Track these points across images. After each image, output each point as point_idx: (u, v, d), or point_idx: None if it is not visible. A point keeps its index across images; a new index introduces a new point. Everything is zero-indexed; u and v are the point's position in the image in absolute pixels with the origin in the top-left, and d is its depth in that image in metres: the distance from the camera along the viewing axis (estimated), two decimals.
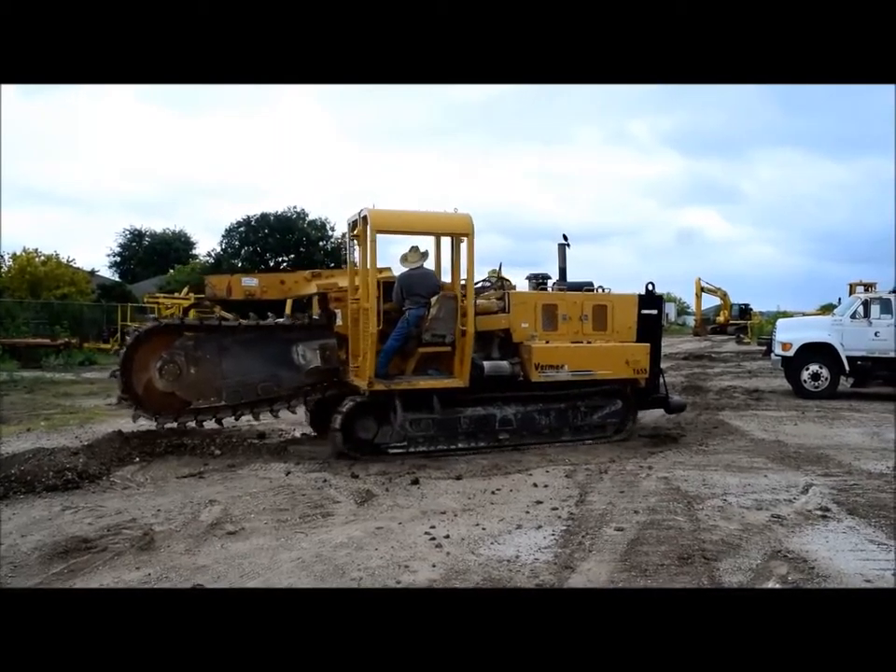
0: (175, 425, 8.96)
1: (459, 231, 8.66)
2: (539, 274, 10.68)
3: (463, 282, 8.77)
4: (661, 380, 10.39)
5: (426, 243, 9.19)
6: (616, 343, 9.83)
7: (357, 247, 8.87)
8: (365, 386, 8.31)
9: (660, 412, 10.83)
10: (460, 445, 8.88)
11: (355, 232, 8.83)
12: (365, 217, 8.27)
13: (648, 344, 9.90)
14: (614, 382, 9.60)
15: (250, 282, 9.58)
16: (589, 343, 9.70)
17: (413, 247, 9.00)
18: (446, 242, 9.09)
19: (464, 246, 8.66)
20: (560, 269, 10.81)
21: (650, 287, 10.48)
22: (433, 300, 8.61)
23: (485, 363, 9.00)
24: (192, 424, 9.05)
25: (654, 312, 10.48)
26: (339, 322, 9.32)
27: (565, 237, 10.79)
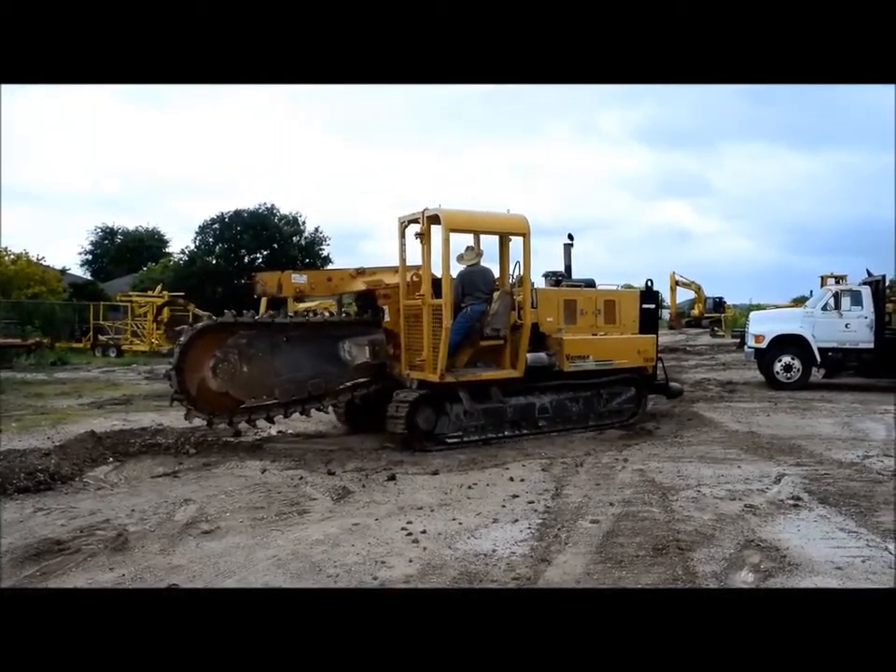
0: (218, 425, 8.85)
1: (518, 231, 9.30)
2: (556, 272, 11.46)
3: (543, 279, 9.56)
4: (659, 367, 11.29)
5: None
6: (626, 334, 10.75)
7: (421, 246, 8.99)
8: (436, 379, 8.67)
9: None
10: (506, 433, 9.37)
11: (419, 231, 8.94)
12: (434, 217, 8.72)
13: (654, 336, 11.04)
14: (629, 370, 10.47)
15: (300, 279, 9.46)
16: (604, 335, 10.48)
17: (468, 247, 9.49)
18: (490, 239, 9.59)
19: (515, 245, 9.38)
20: (566, 266, 11.66)
21: (649, 284, 11.67)
22: (495, 295, 9.14)
23: (528, 355, 9.42)
24: (244, 423, 8.99)
25: (653, 306, 11.67)
26: (387, 318, 9.50)
27: (570, 237, 11.82)
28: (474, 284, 9.19)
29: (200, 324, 8.74)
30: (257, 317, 8.94)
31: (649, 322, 11.27)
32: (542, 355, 9.63)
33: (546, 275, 11.29)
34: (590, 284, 11.26)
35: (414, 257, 9.28)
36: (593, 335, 10.33)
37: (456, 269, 9.40)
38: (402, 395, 8.83)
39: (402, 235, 9.30)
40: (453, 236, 8.83)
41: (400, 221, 9.32)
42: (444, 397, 8.90)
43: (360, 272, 9.78)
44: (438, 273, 9.04)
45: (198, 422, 8.75)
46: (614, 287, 11.94)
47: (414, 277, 9.27)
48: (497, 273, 9.60)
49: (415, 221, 9.02)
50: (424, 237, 8.88)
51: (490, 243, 9.68)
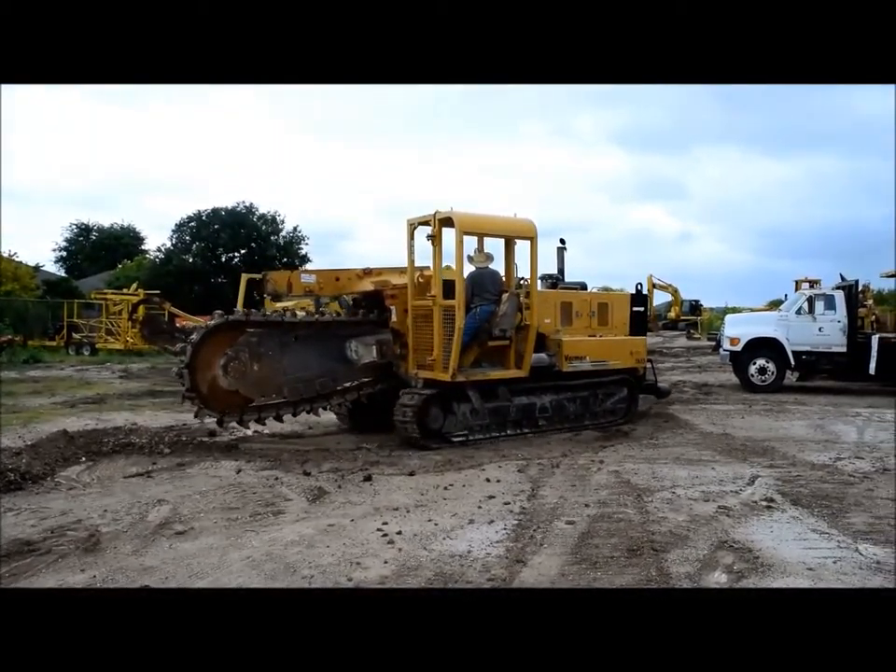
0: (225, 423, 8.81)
1: (526, 235, 9.55)
2: (551, 275, 12.06)
3: (523, 280, 9.73)
4: (648, 368, 11.70)
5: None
6: (618, 336, 11.11)
7: (432, 248, 9.05)
8: (447, 378, 8.85)
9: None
10: (508, 432, 9.60)
11: (430, 233, 9.00)
12: (446, 219, 8.88)
13: (645, 338, 11.52)
14: (622, 371, 10.80)
15: (308, 278, 9.50)
16: (600, 336, 10.83)
17: (478, 249, 9.63)
18: (496, 242, 9.82)
19: (521, 248, 9.69)
20: (558, 270, 12.39)
21: (639, 288, 12.14)
22: (504, 297, 9.29)
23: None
24: (253, 422, 8.97)
25: (642, 309, 12.08)
26: (393, 318, 9.58)
27: (562, 241, 12.17)
28: (483, 285, 9.36)
29: (212, 321, 8.68)
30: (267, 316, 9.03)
31: (638, 324, 11.70)
32: (543, 355, 9.86)
33: (542, 278, 11.58)
34: (583, 287, 11.83)
35: (419, 258, 9.46)
36: (589, 336, 10.67)
37: (466, 269, 9.56)
38: (411, 394, 8.94)
39: (411, 237, 9.39)
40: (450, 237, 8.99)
41: (410, 223, 9.40)
42: (451, 396, 9.06)
43: (367, 272, 9.88)
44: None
45: (169, 421, 8.69)
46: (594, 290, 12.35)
47: (420, 278, 9.42)
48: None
49: (426, 223, 9.11)
50: (435, 239, 8.99)
51: (490, 244, 9.88)
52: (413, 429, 8.71)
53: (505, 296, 9.32)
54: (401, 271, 9.75)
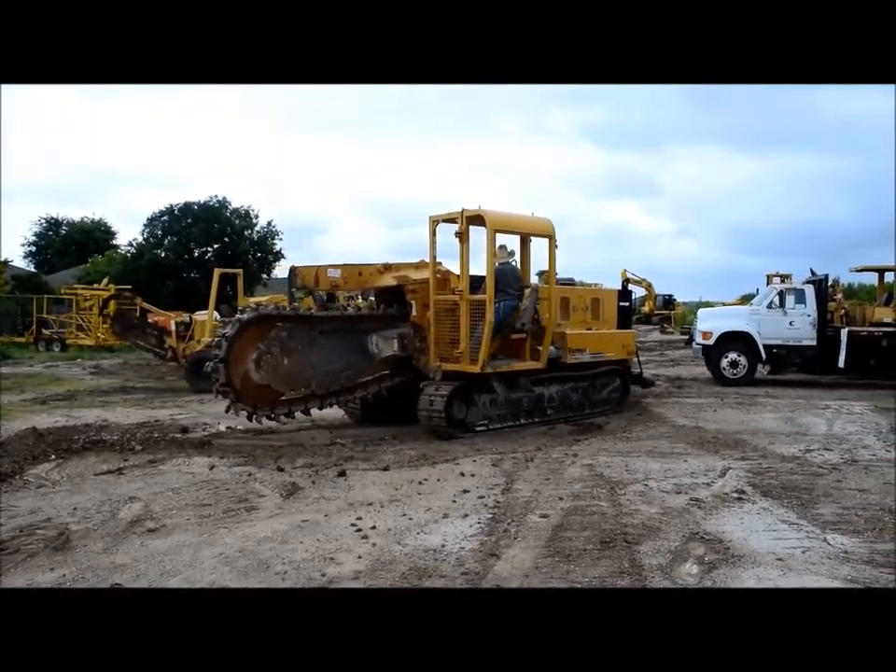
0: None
1: (545, 233, 10.03)
2: (545, 271, 12.13)
3: (537, 277, 10.31)
4: (634, 360, 12.36)
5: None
6: (608, 330, 11.72)
7: (459, 244, 9.31)
8: (477, 370, 9.15)
9: None
10: (522, 421, 9.98)
11: (458, 230, 9.24)
12: (474, 217, 9.20)
13: (634, 331, 12.15)
14: (616, 362, 11.41)
15: (334, 273, 9.69)
16: (596, 329, 11.42)
17: (501, 245, 9.82)
18: (507, 238, 10.04)
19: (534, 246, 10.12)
20: (549, 266, 12.13)
21: (625, 284, 13.72)
22: (526, 292, 9.67)
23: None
24: (283, 416, 9.03)
25: (627, 304, 12.86)
26: (413, 313, 9.88)
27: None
28: (506, 281, 9.63)
29: (245, 315, 8.68)
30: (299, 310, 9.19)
31: (624, 318, 12.47)
32: (552, 348, 10.18)
33: (539, 274, 11.76)
34: (570, 282, 11.94)
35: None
36: (586, 330, 11.19)
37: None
38: (437, 386, 9.20)
39: (433, 233, 9.60)
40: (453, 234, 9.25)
41: (433, 220, 9.62)
42: (473, 388, 9.38)
43: (387, 267, 10.09)
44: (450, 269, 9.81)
45: (141, 417, 8.60)
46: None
47: (436, 274, 9.66)
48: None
49: (451, 221, 9.37)
50: (463, 236, 9.24)
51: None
52: (440, 420, 8.98)
53: (527, 291, 9.70)
54: (415, 266, 10.12)
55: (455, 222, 9.27)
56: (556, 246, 10.41)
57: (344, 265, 9.93)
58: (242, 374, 8.43)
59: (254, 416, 8.72)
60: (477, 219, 9.22)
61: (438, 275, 9.70)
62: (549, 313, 9.96)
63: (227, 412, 8.75)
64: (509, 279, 9.68)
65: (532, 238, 10.05)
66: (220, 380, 8.32)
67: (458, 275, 9.52)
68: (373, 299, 10.87)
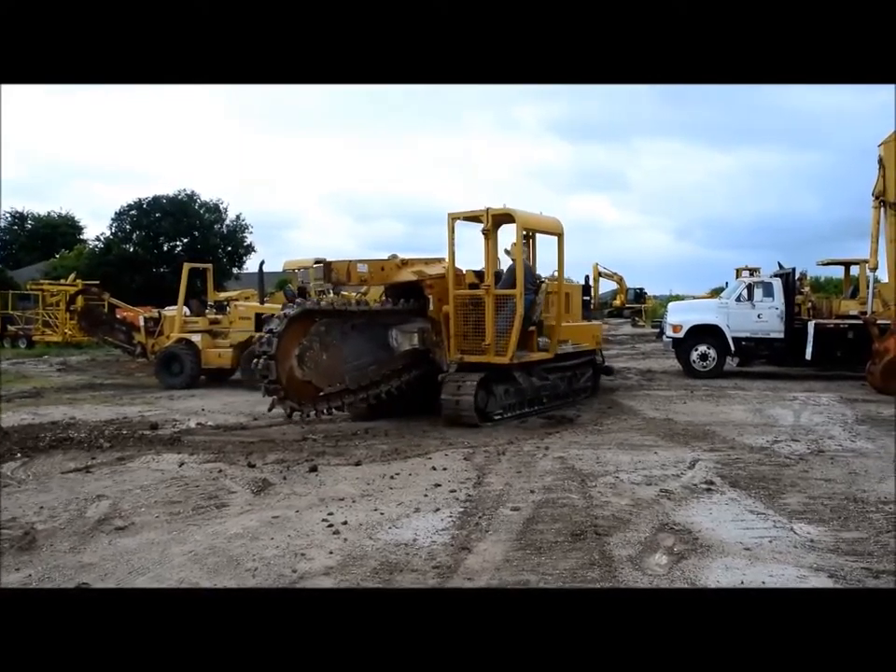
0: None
1: (557, 231, 10.66)
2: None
3: (546, 275, 10.89)
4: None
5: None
6: (575, 322, 12.13)
7: (485, 242, 9.75)
8: (506, 361, 9.63)
9: None
10: (527, 409, 10.46)
11: (485, 228, 9.65)
12: (503, 216, 9.73)
13: (601, 323, 13.51)
14: (589, 353, 12.21)
15: (363, 268, 9.85)
16: (572, 322, 11.82)
17: (515, 243, 10.04)
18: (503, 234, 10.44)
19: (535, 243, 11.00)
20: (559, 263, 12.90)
21: (586, 279, 14.28)
22: (543, 287, 10.29)
23: (539, 340, 10.54)
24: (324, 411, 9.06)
25: (587, 298, 13.60)
26: (430, 307, 10.18)
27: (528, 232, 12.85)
28: (527, 276, 9.89)
29: (290, 310, 8.61)
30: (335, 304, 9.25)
31: (585, 311, 13.23)
32: (546, 339, 10.68)
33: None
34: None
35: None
36: (564, 323, 11.36)
37: (506, 262, 10.35)
38: (461, 377, 9.51)
39: (452, 230, 9.77)
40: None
41: (452, 217, 9.78)
42: (492, 379, 9.74)
43: (404, 262, 10.32)
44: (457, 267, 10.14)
45: (110, 414, 8.49)
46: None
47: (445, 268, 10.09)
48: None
49: (473, 219, 9.77)
50: (489, 234, 9.66)
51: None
52: (470, 409, 9.28)
53: (543, 286, 10.25)
54: (426, 262, 10.55)
55: (475, 220, 9.68)
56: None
57: (370, 261, 10.06)
58: (287, 371, 8.39)
59: (301, 414, 8.73)
60: (507, 218, 9.70)
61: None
62: (557, 306, 10.44)
63: (270, 410, 8.76)
64: (525, 276, 9.92)
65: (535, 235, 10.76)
66: (271, 377, 8.24)
67: (470, 271, 10.17)
68: (367, 294, 11.08)
